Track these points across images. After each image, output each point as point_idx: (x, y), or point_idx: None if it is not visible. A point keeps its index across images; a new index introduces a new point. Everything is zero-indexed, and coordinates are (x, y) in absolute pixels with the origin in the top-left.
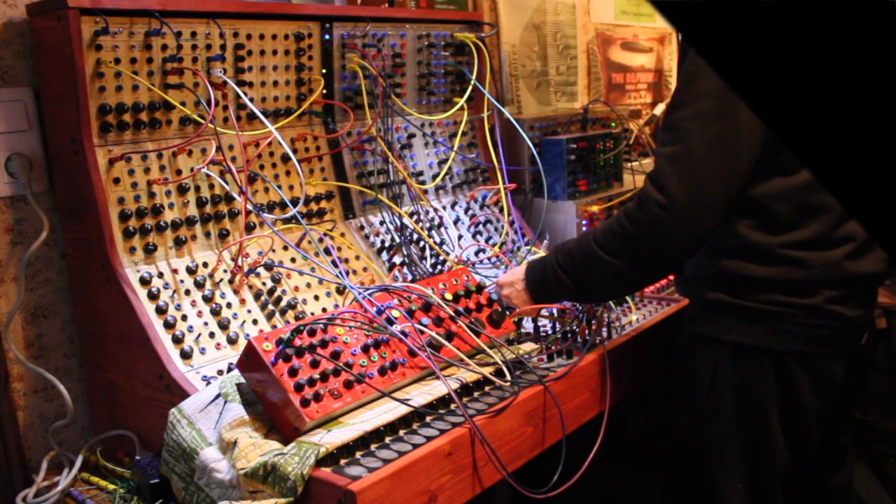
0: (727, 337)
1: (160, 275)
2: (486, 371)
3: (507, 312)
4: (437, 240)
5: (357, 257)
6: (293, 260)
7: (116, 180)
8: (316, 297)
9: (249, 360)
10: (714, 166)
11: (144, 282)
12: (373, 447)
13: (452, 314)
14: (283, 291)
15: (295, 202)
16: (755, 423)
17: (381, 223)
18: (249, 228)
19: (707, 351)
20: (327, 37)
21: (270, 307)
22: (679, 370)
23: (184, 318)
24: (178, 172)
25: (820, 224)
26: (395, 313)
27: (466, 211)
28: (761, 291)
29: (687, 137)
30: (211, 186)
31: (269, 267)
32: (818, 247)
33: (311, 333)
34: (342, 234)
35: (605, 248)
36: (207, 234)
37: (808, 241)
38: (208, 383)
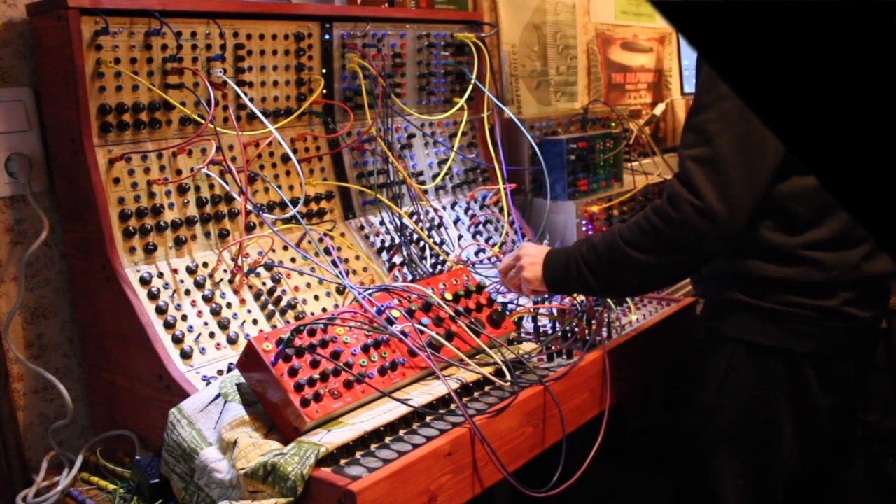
0: (743, 336)
1: (160, 275)
2: (486, 371)
3: (508, 312)
4: (437, 240)
5: (357, 257)
6: (293, 260)
7: (116, 180)
8: (316, 297)
9: (249, 360)
10: (741, 168)
11: (144, 282)
12: (373, 447)
13: (452, 314)
14: (283, 291)
15: (295, 202)
16: (764, 421)
17: (381, 223)
18: (249, 228)
19: (721, 349)
20: (327, 37)
21: (270, 307)
22: (690, 367)
23: (184, 318)
24: (178, 172)
25: (838, 222)
26: (395, 313)
27: (466, 211)
28: (779, 292)
29: (712, 139)
30: (211, 186)
31: (269, 267)
32: (837, 247)
33: (311, 333)
34: (342, 234)
35: (631, 244)
36: (207, 234)
37: (827, 240)
38: (208, 383)
